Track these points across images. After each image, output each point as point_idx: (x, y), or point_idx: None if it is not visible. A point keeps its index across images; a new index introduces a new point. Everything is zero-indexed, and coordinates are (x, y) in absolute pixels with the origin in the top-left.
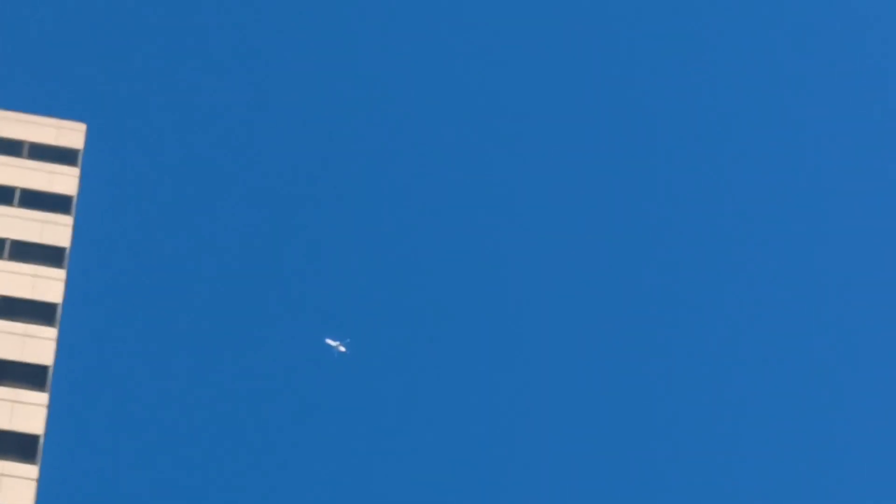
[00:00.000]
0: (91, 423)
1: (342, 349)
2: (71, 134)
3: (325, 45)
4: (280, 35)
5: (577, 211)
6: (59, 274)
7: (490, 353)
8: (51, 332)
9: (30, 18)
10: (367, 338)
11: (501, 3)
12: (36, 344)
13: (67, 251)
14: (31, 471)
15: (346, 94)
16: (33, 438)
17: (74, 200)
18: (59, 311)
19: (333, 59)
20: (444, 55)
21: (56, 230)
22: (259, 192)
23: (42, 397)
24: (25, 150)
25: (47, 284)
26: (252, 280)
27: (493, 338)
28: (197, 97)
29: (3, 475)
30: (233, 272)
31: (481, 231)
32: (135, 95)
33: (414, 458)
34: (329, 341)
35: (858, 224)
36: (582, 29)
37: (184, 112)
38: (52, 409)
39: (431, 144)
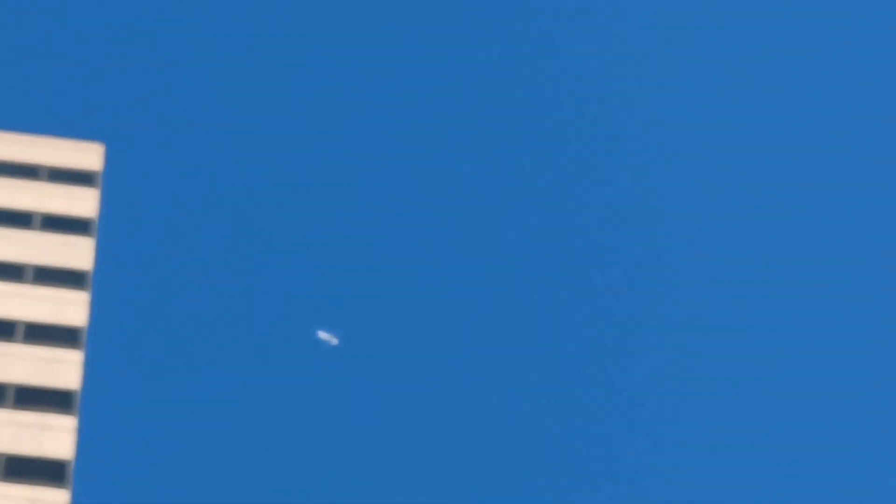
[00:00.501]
0: (120, 445)
1: (334, 342)
2: (89, 155)
3: (348, 63)
4: (300, 54)
5: (568, 208)
6: (82, 297)
7: (486, 347)
8: (76, 356)
9: (42, 40)
10: (360, 330)
11: (495, 4)
12: (61, 368)
13: (89, 273)
14: (62, 495)
15: (366, 106)
16: (63, 463)
17: (95, 222)
18: (84, 333)
19: (359, 77)
20: (439, 55)
21: (77, 253)
22: (279, 208)
23: (70, 421)
24: (44, 173)
25: (70, 308)
26: (277, 295)
27: (489, 332)
28: (214, 113)
29: (34, 501)
30: (257, 289)
31: (477, 225)
32: (151, 113)
33: (408, 452)
34: (321, 334)
35: (854, 225)
36: (577, 28)
37: (201, 129)
38: (81, 432)
39: (426, 142)
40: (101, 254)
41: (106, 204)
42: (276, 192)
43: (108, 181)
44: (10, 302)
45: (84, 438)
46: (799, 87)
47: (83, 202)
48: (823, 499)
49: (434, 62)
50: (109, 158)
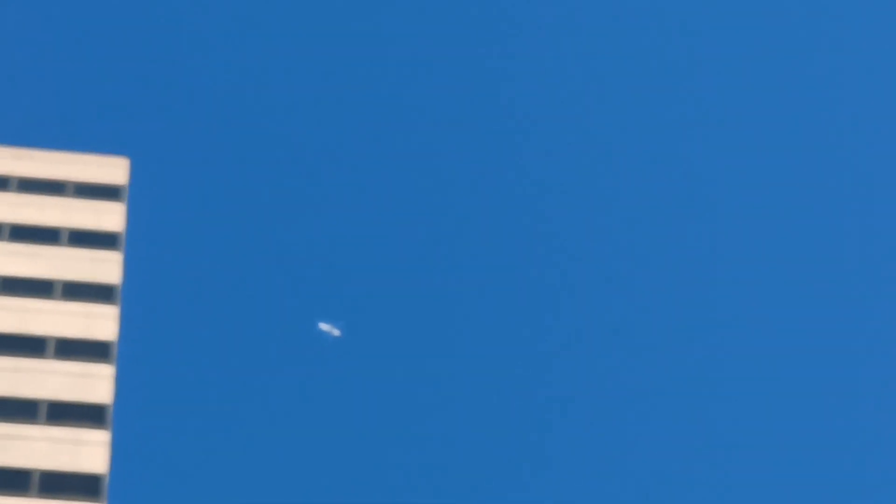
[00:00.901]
0: (154, 458)
1: (336, 333)
2: (114, 170)
3: (371, 73)
4: (325, 69)
5: (566, 207)
6: (112, 311)
7: (487, 340)
8: (107, 370)
9: (65, 57)
10: (362, 322)
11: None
12: (93, 382)
13: (118, 287)
14: None
15: (376, 112)
16: (97, 477)
17: (122, 236)
18: (114, 347)
19: (382, 90)
20: (441, 55)
21: (105, 267)
22: (305, 220)
23: (103, 435)
24: (70, 188)
25: (100, 322)
26: (306, 306)
27: (489, 329)
28: (237, 126)
29: None
30: (286, 300)
31: (476, 222)
32: (174, 127)
33: (408, 444)
34: (322, 326)
35: (852, 228)
36: (576, 28)
37: (224, 141)
38: (114, 446)
39: (429, 138)
40: (128, 267)
41: (132, 218)
42: (300, 205)
43: (134, 195)
44: (40, 318)
45: (117, 452)
46: (799, 88)
47: (110, 216)
48: (823, 499)
49: (436, 63)
50: (134, 172)
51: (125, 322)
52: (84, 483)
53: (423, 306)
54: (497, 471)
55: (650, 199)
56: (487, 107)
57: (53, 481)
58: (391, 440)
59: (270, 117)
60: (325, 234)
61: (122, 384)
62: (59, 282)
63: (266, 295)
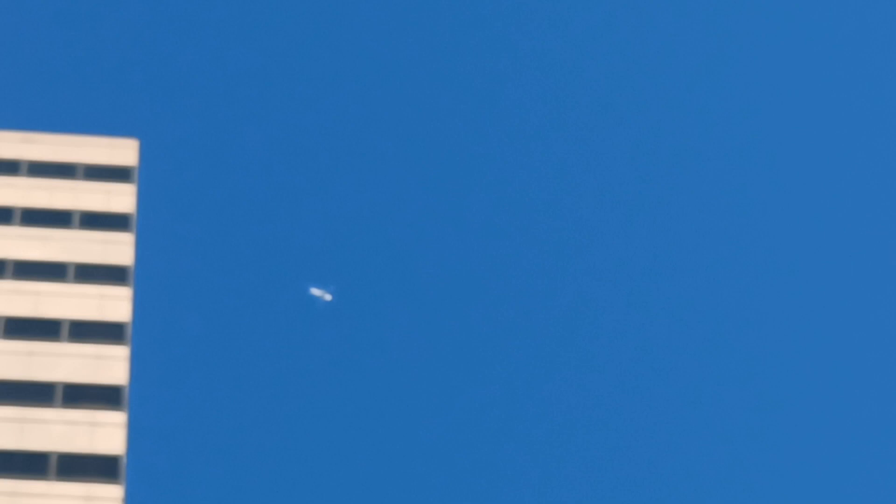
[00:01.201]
0: (171, 438)
1: (328, 297)
2: (124, 151)
3: (380, 62)
4: (333, 51)
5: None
6: (125, 292)
7: (482, 315)
8: (122, 351)
9: (72, 38)
10: (353, 286)
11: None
12: (108, 364)
13: (131, 268)
14: (117, 491)
15: (380, 107)
16: (115, 459)
17: (133, 217)
18: (129, 328)
19: (396, 83)
20: (442, 54)
21: (117, 248)
22: (315, 202)
23: (119, 417)
24: (80, 171)
25: (114, 303)
26: (321, 286)
27: (484, 300)
28: (245, 106)
29: (89, 498)
30: (296, 278)
31: (476, 202)
32: (183, 107)
33: (398, 413)
34: (314, 290)
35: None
36: (579, 27)
37: (232, 121)
38: (131, 427)
39: (426, 130)
40: (140, 248)
41: (143, 198)
42: (310, 187)
43: (144, 176)
44: (53, 301)
45: (134, 433)
46: (800, 88)
47: (121, 198)
48: (823, 499)
49: (442, 63)
50: (144, 153)
51: (138, 303)
52: (101, 465)
53: (422, 291)
54: (486, 445)
55: (660, 199)
56: (483, 104)
57: (70, 464)
58: (392, 419)
59: (280, 98)
60: (333, 218)
61: (137, 365)
62: (71, 264)
63: (279, 274)
